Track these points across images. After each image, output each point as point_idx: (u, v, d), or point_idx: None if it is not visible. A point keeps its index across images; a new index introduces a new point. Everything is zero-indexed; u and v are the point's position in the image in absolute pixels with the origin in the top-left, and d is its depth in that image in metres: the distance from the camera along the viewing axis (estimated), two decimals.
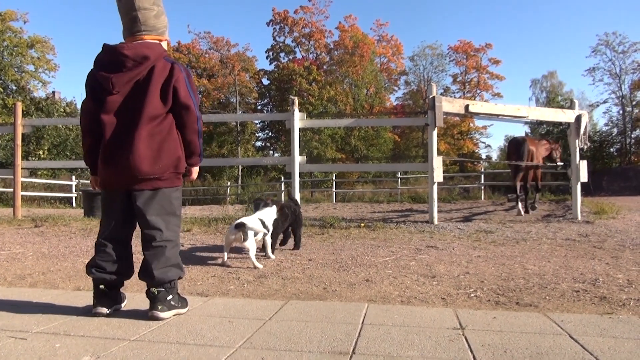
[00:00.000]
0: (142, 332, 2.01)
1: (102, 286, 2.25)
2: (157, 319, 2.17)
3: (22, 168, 7.68)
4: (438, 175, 6.54)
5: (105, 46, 2.23)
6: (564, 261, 3.92)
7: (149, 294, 2.22)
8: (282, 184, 21.96)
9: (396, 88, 47.39)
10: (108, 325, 2.10)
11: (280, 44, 43.64)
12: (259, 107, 44.09)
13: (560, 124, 9.07)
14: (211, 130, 38.06)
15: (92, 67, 2.26)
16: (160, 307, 2.18)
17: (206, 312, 2.36)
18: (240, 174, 35.55)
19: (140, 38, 2.25)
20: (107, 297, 2.28)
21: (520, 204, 8.35)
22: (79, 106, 27.76)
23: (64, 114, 25.89)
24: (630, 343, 1.90)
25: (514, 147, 8.47)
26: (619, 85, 38.78)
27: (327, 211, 10.37)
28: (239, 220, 3.65)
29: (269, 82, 43.95)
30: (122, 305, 2.40)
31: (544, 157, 9.08)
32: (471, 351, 1.79)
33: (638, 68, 37.71)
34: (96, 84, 2.20)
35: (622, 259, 4.00)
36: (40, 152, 22.77)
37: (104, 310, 2.24)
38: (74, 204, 17.43)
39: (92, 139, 2.27)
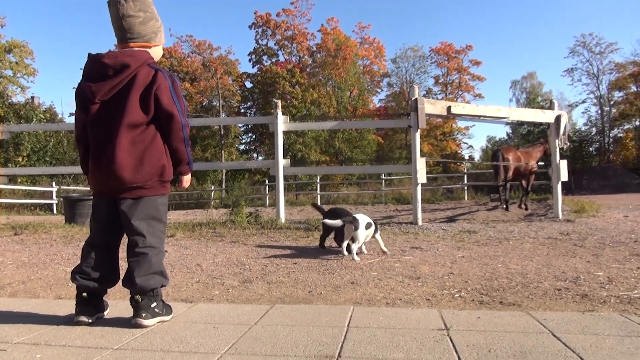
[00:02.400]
0: (126, 340, 1.98)
1: (84, 294, 2.22)
2: (140, 326, 2.14)
3: (0, 175, 7.53)
4: (421, 177, 6.58)
5: (89, 56, 2.22)
6: (546, 260, 3.97)
7: (132, 301, 2.20)
8: (267, 187, 21.92)
9: (379, 90, 47.71)
10: (90, 334, 2.07)
11: (263, 47, 43.58)
12: (242, 111, 43.89)
13: (540, 124, 9.33)
14: (194, 134, 37.78)
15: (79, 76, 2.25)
16: (143, 315, 2.16)
17: (191, 319, 2.34)
18: (224, 177, 35.38)
19: (127, 46, 2.23)
20: (90, 305, 2.24)
21: (497, 200, 9.63)
22: (58, 111, 27.42)
23: (44, 119, 25.47)
24: (611, 340, 1.93)
25: (493, 156, 9.78)
26: (596, 85, 39.56)
27: (311, 214, 10.35)
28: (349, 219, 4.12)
29: (252, 85, 43.82)
30: (105, 313, 2.37)
31: (539, 158, 9.67)
32: (456, 351, 1.80)
33: (615, 68, 38.49)
34: (83, 94, 2.20)
35: (603, 257, 4.07)
36: (20, 159, 22.38)
37: (87, 318, 2.20)
38: (54, 211, 17.16)
39: (85, 147, 2.28)
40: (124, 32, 2.21)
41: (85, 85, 2.17)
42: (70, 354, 1.83)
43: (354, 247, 4.05)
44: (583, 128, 40.17)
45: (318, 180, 21.21)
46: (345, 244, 4.15)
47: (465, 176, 18.59)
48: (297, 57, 43.89)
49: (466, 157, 45.25)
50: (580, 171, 28.48)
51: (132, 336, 2.04)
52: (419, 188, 6.65)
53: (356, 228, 4.00)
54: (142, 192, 2.20)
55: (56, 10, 63.27)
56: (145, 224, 2.21)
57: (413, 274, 3.47)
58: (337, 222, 4.05)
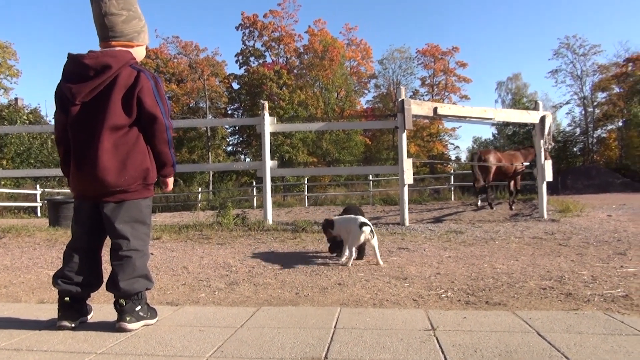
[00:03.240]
0: (109, 344, 1.96)
1: (67, 298, 2.19)
2: (124, 330, 2.11)
3: None
4: (408, 178, 6.61)
5: (69, 56, 2.18)
6: (531, 259, 4.00)
7: (116, 305, 2.17)
8: (254, 189, 21.83)
9: (366, 91, 47.86)
10: (73, 339, 2.03)
11: (250, 48, 43.45)
12: (229, 112, 43.74)
13: (525, 124, 9.53)
14: (181, 136, 37.55)
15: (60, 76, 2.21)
16: (128, 319, 2.13)
17: (176, 322, 2.32)
18: (211, 179, 35.18)
19: (109, 44, 2.20)
20: (73, 309, 2.21)
21: (484, 201, 9.80)
22: (43, 113, 27.08)
23: (27, 121, 25.12)
24: (595, 338, 1.95)
25: (471, 159, 10.17)
26: (580, 86, 40.04)
27: (299, 215, 10.36)
28: (366, 221, 3.82)
29: (239, 86, 43.65)
30: (89, 317, 2.33)
31: (529, 160, 9.64)
32: (442, 352, 1.81)
33: (598, 70, 39.01)
34: (63, 95, 2.16)
35: (587, 256, 4.11)
36: (4, 162, 22.05)
37: (69, 323, 2.17)
38: (38, 214, 16.93)
39: (65, 149, 2.24)
40: (105, 30, 2.18)
41: (65, 86, 2.13)
42: (52, 359, 1.80)
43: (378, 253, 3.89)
44: (567, 129, 40.67)
45: (306, 182, 21.16)
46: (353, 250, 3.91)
47: (452, 177, 18.70)
48: (285, 59, 43.87)
49: (453, 157, 45.59)
50: (564, 171, 28.80)
51: (116, 340, 2.01)
52: (406, 189, 6.68)
53: (373, 235, 3.83)
54: (126, 196, 2.17)
55: (41, 11, 62.51)
56: (129, 227, 2.18)
57: (400, 274, 3.48)
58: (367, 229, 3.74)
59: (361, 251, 4.05)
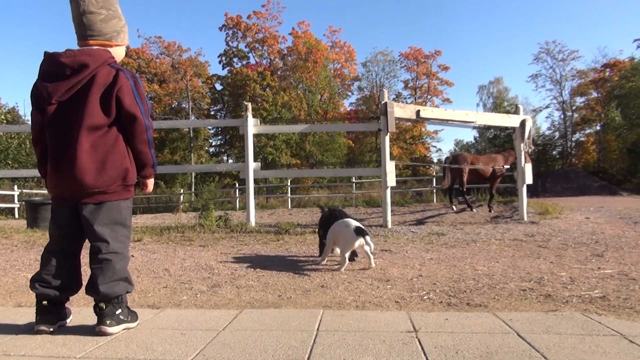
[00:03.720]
0: (89, 348, 1.93)
1: (45, 302, 2.15)
2: (105, 334, 2.08)
3: None
4: (391, 180, 6.64)
5: (45, 54, 2.14)
6: (511, 261, 4.06)
7: (96, 308, 2.14)
8: (237, 191, 21.73)
9: (349, 93, 47.94)
10: (52, 343, 2.00)
11: (234, 49, 43.26)
12: (212, 113, 43.46)
13: (506, 128, 9.73)
14: (163, 137, 37.20)
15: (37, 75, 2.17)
16: (108, 322, 2.10)
17: (157, 325, 2.30)
18: (193, 180, 34.92)
19: (87, 43, 2.17)
20: (51, 313, 2.17)
21: (462, 203, 9.91)
22: (21, 112, 26.56)
23: (5, 121, 24.64)
24: (573, 339, 1.98)
25: (444, 162, 10.36)
26: (559, 91, 40.74)
27: (282, 217, 10.34)
28: (360, 226, 3.74)
29: (222, 87, 43.42)
30: (68, 320, 2.29)
31: (510, 162, 9.67)
32: (424, 353, 1.82)
33: (577, 75, 39.75)
34: (39, 94, 2.13)
35: (565, 257, 4.19)
36: None
37: (47, 328, 2.13)
38: (16, 215, 16.61)
39: (42, 149, 2.20)
40: (84, 28, 2.15)
41: (42, 85, 2.10)
42: None
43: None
44: (547, 132, 41.32)
45: (289, 184, 21.15)
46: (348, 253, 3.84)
47: (434, 179, 18.85)
48: (268, 60, 43.77)
49: (435, 160, 45.92)
50: (544, 174, 29.22)
51: (95, 344, 1.98)
52: (388, 191, 6.71)
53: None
54: (105, 197, 2.14)
55: (18, 9, 61.37)
56: (108, 230, 2.15)
57: (382, 276, 3.49)
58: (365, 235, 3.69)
59: (353, 254, 3.97)
